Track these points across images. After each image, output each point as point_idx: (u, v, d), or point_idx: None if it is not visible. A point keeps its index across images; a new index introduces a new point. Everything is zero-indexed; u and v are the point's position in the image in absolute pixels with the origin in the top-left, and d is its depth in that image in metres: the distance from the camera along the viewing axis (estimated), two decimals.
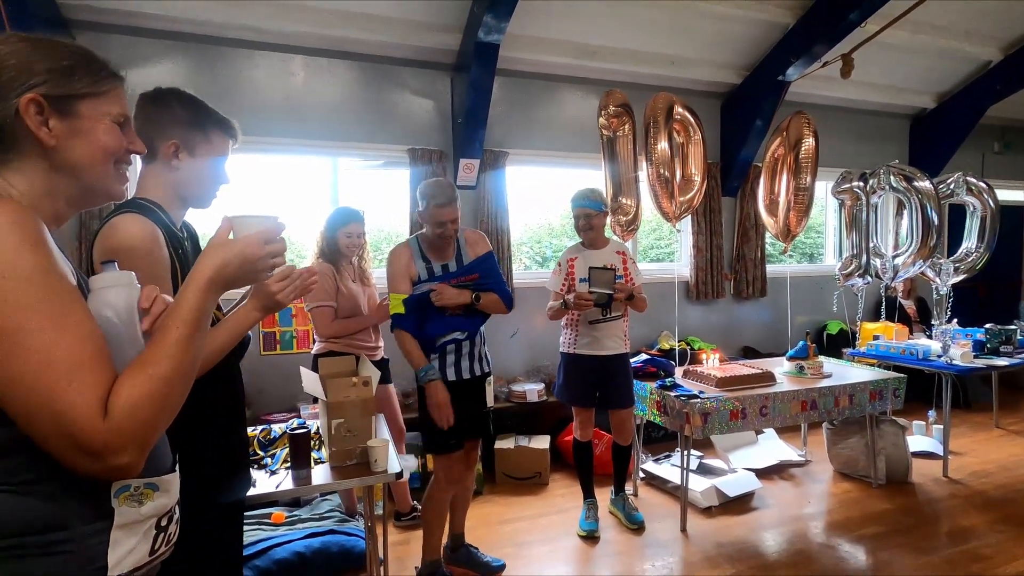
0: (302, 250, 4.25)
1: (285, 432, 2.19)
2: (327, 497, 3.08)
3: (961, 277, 4.11)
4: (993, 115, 5.62)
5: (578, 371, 2.84)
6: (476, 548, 2.61)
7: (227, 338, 1.22)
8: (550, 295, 2.92)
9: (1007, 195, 6.49)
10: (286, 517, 2.82)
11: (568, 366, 2.88)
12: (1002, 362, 3.62)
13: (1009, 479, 3.47)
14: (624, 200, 3.33)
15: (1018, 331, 3.95)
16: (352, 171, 4.04)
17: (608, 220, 3.17)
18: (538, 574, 2.56)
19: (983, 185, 4.00)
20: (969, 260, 4.10)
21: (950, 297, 4.20)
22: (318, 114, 3.75)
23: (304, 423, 2.28)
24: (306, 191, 4.05)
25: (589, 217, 2.80)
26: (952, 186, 3.95)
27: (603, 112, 3.34)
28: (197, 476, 1.24)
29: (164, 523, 0.88)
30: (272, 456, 2.06)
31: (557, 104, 4.38)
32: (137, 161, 1.18)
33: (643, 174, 3.37)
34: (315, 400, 2.65)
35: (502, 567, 2.59)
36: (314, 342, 2.76)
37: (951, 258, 4.15)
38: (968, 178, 4.02)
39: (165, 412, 0.78)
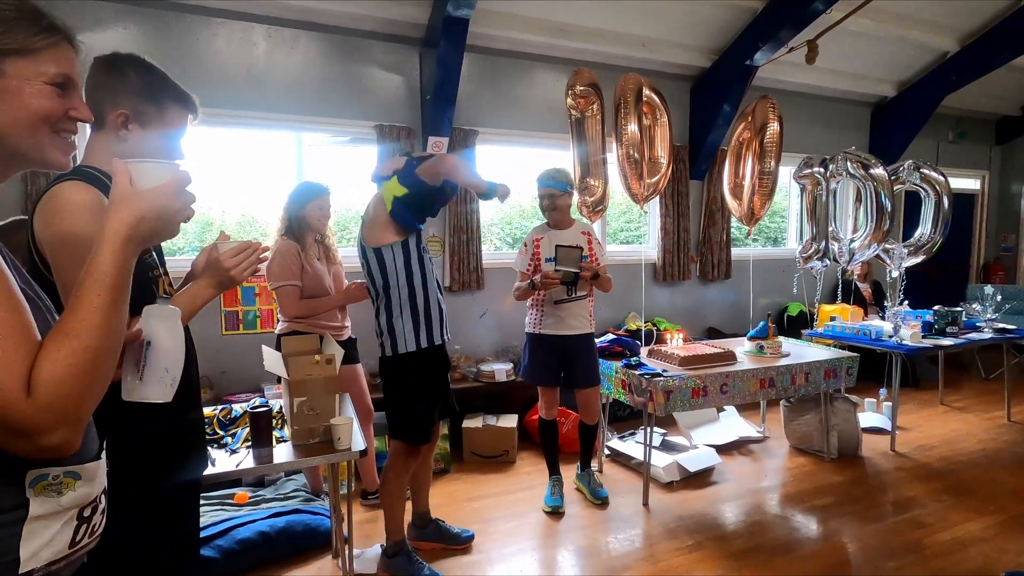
0: (265, 228, 4.15)
1: (246, 411, 2.16)
2: (292, 477, 3.05)
3: (918, 260, 4.28)
4: (948, 105, 5.83)
5: (543, 351, 2.86)
6: (443, 521, 2.64)
7: (185, 310, 1.17)
8: (516, 275, 2.92)
9: (959, 183, 6.75)
10: (250, 497, 2.79)
11: (533, 346, 2.89)
12: (948, 342, 3.80)
13: (950, 452, 3.67)
14: (592, 181, 3.34)
15: (964, 313, 4.15)
16: (317, 147, 3.94)
17: (575, 200, 3.18)
18: (504, 548, 2.61)
19: (935, 175, 4.15)
20: (923, 245, 4.27)
21: (903, 280, 4.38)
22: (281, 87, 3.64)
23: (266, 402, 2.24)
24: (269, 167, 3.93)
25: (554, 197, 2.80)
26: (903, 173, 4.08)
27: (571, 92, 3.33)
28: (148, 457, 1.22)
29: (88, 513, 0.82)
30: (233, 435, 2.03)
31: (528, 83, 4.34)
32: (86, 128, 1.13)
33: (612, 155, 3.38)
34: (279, 380, 2.61)
35: (471, 537, 2.63)
36: (278, 321, 2.71)
37: (906, 243, 4.31)
38: (922, 168, 4.17)
39: (95, 384, 0.73)
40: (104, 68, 1.20)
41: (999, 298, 4.31)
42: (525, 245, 2.92)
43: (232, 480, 2.76)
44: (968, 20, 4.82)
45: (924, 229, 4.27)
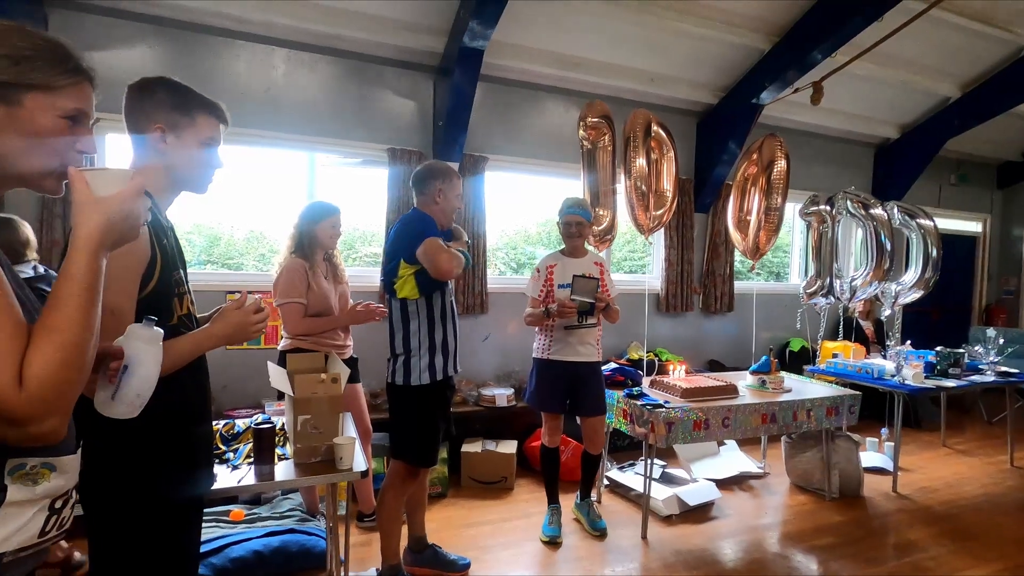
0: (274, 244, 4.19)
1: (249, 427, 2.16)
2: (288, 496, 3.03)
3: (910, 298, 4.32)
4: (951, 148, 5.93)
5: (550, 377, 2.86)
6: (440, 547, 2.61)
7: (188, 351, 1.24)
8: (527, 301, 2.95)
9: (960, 225, 6.83)
10: (245, 515, 2.77)
11: (541, 371, 2.90)
12: (950, 384, 3.79)
13: (953, 496, 3.62)
14: (600, 211, 3.39)
15: (966, 354, 4.15)
16: (329, 167, 4.01)
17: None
18: None
19: (922, 219, 4.22)
20: (911, 284, 4.32)
21: (895, 320, 4.42)
22: (297, 108, 3.72)
23: (268, 418, 2.24)
24: (279, 184, 3.99)
25: (581, 226, 2.86)
26: (888, 214, 4.16)
27: (583, 123, 3.40)
28: (157, 471, 1.23)
29: (59, 505, 0.87)
30: (235, 451, 2.02)
31: (538, 113, 4.44)
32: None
33: (620, 186, 3.44)
34: (281, 396, 2.62)
35: (468, 565, 2.60)
36: (282, 338, 2.72)
37: (894, 282, 4.36)
38: (898, 205, 4.26)
39: (80, 375, 0.79)
40: (136, 92, 1.27)
41: (1001, 341, 4.31)
42: (538, 271, 2.95)
43: (228, 496, 2.74)
44: (970, 68, 4.93)
45: (914, 269, 4.32)
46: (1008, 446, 4.29)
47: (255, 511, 2.85)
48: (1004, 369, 4.19)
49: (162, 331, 1.02)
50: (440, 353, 2.27)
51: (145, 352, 0.99)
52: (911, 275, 4.35)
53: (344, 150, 3.93)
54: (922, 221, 4.32)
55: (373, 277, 3.96)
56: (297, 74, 3.73)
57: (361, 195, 4.14)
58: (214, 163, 1.33)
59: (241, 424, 2.21)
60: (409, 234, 2.21)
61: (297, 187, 3.94)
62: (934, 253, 4.27)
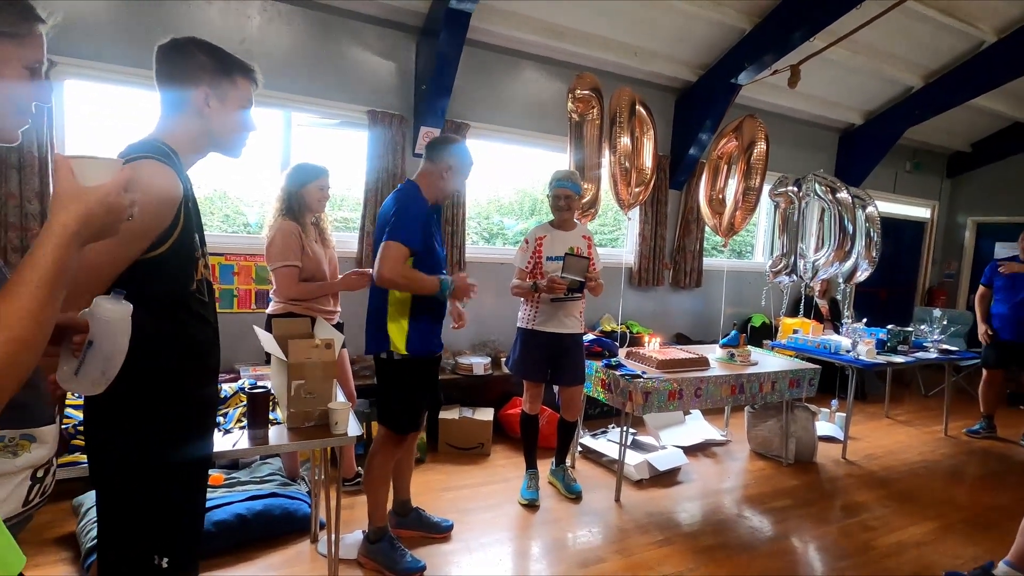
0: (238, 204, 4.04)
1: (238, 391, 2.13)
2: (267, 460, 3.01)
3: (863, 277, 4.57)
4: (909, 137, 6.20)
5: (534, 346, 2.92)
6: (424, 510, 2.67)
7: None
8: (514, 271, 2.98)
9: (912, 211, 7.20)
10: (224, 479, 2.74)
11: (525, 341, 2.95)
12: (899, 359, 4.07)
13: (895, 462, 3.93)
14: (585, 184, 3.42)
15: (913, 333, 4.44)
16: (306, 128, 3.87)
17: None
18: (482, 538, 2.66)
19: (843, 194, 4.38)
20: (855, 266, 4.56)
21: (844, 300, 4.70)
22: (273, 63, 3.54)
23: (255, 383, 2.22)
24: (255, 145, 3.82)
25: (570, 199, 2.88)
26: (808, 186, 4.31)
27: (571, 95, 3.39)
28: (166, 431, 1.21)
29: (40, 475, 0.88)
30: (224, 415, 2.00)
31: (521, 81, 4.38)
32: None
33: (605, 161, 3.46)
34: (266, 361, 2.58)
35: (451, 527, 2.67)
36: (269, 301, 2.66)
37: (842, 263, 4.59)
38: (821, 181, 4.39)
39: (20, 373, 0.72)
40: (173, 54, 1.22)
41: (944, 321, 4.63)
42: (527, 242, 2.97)
43: (227, 458, 2.71)
44: (933, 59, 5.14)
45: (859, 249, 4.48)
46: (943, 417, 4.65)
47: (234, 475, 2.82)
48: (945, 347, 4.52)
49: (131, 306, 0.93)
50: (429, 326, 2.27)
51: (112, 327, 0.91)
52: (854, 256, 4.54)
53: (322, 110, 3.79)
54: (870, 209, 4.50)
55: (349, 243, 3.89)
56: (273, 26, 3.55)
57: (340, 157, 4.02)
58: (250, 126, 1.31)
59: (227, 389, 2.17)
60: (397, 215, 2.15)
61: (271, 147, 3.79)
62: (876, 238, 4.49)
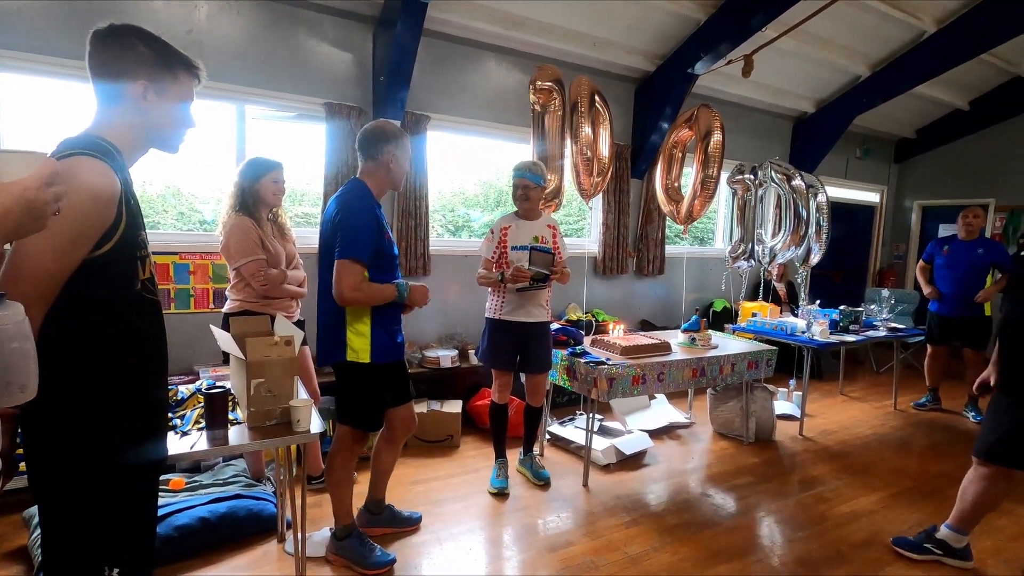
0: (192, 202, 3.92)
1: (196, 392, 2.08)
2: (231, 462, 2.96)
3: (815, 259, 4.74)
4: (858, 124, 6.43)
5: (502, 336, 2.93)
6: (395, 507, 2.67)
7: None
8: (480, 261, 2.98)
9: (862, 195, 7.48)
10: (186, 483, 2.68)
11: (493, 331, 2.96)
12: (851, 339, 4.24)
13: (848, 437, 4.11)
14: (549, 175, 3.43)
15: (864, 313, 4.64)
16: (261, 121, 3.77)
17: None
18: (453, 528, 2.67)
19: (799, 180, 4.54)
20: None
21: (802, 283, 4.87)
22: (224, 55, 3.45)
23: (213, 384, 2.17)
24: (204, 138, 3.71)
25: (527, 188, 2.88)
26: (764, 174, 4.47)
27: (533, 86, 3.40)
28: (112, 438, 1.18)
29: None
30: (182, 417, 1.95)
31: (481, 72, 4.36)
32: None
33: (567, 151, 3.49)
34: (225, 361, 2.53)
35: (420, 519, 2.70)
36: (226, 300, 2.60)
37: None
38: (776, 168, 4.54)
39: None
40: (110, 41, 1.17)
41: (892, 301, 4.84)
42: (492, 232, 2.97)
43: (184, 461, 2.65)
44: (879, 48, 5.33)
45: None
46: (893, 392, 4.88)
47: (196, 479, 2.76)
48: (894, 325, 4.73)
49: (20, 305, 0.86)
50: (391, 330, 2.24)
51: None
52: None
53: (277, 103, 3.70)
54: (820, 198, 4.66)
55: (310, 238, 3.83)
56: (222, 16, 3.44)
57: (298, 151, 3.94)
58: (189, 122, 1.28)
59: (184, 390, 2.12)
60: (345, 228, 2.08)
61: (225, 141, 3.68)
62: (825, 225, 4.65)
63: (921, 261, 4.78)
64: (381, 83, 3.78)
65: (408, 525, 2.62)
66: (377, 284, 2.13)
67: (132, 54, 1.17)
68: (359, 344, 2.16)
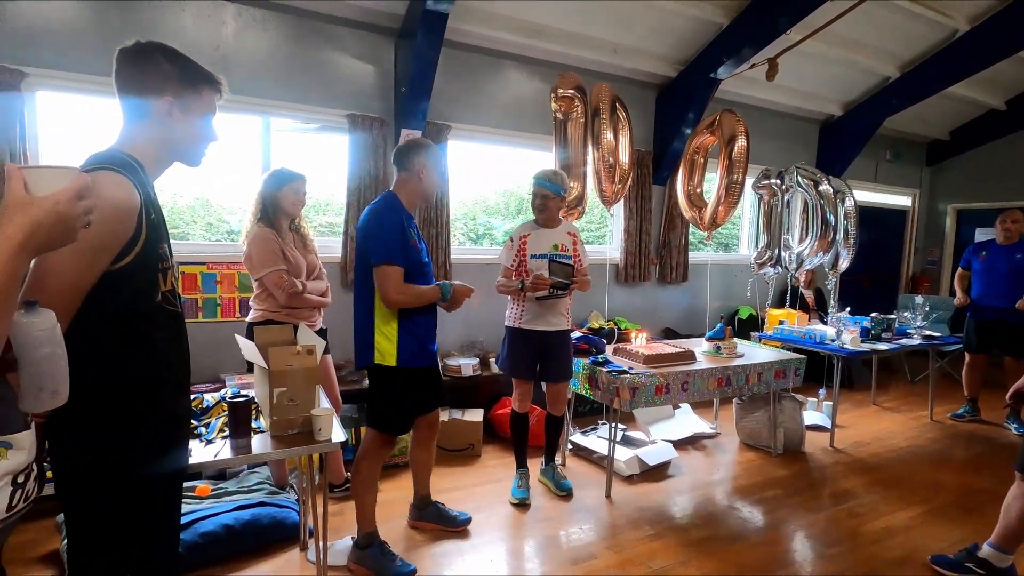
0: (220, 212, 4.01)
1: (220, 400, 2.11)
2: (255, 470, 2.99)
3: (844, 266, 4.61)
4: (887, 127, 6.27)
5: (522, 345, 2.92)
6: (443, 504, 2.71)
7: None
8: (500, 269, 2.98)
9: (893, 200, 7.28)
10: (212, 490, 2.72)
11: (513, 339, 2.95)
12: (883, 347, 4.11)
13: (881, 449, 3.97)
14: (571, 183, 3.42)
15: (896, 320, 4.49)
16: (285, 133, 3.85)
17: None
18: (475, 539, 2.65)
19: (826, 186, 4.41)
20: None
21: (832, 290, 4.74)
22: (250, 69, 3.53)
23: (237, 392, 2.20)
24: (231, 150, 3.80)
25: (546, 198, 2.87)
26: (790, 179, 4.36)
27: (555, 94, 3.40)
28: (135, 447, 1.19)
29: (21, 480, 0.90)
30: (207, 425, 1.98)
31: (502, 81, 4.38)
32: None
33: (589, 158, 3.47)
34: (249, 370, 2.56)
35: (468, 520, 2.72)
36: (250, 310, 2.64)
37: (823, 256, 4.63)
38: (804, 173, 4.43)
39: None
40: (136, 59, 1.21)
41: (927, 308, 4.68)
42: (511, 240, 2.97)
43: (193, 473, 2.68)
44: (909, 48, 5.19)
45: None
46: (929, 402, 4.71)
47: (221, 486, 2.80)
48: (928, 333, 4.57)
49: (46, 316, 0.87)
50: (422, 336, 2.29)
51: (27, 341, 0.86)
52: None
53: (301, 115, 3.77)
54: (848, 203, 4.54)
55: (333, 247, 3.88)
56: (248, 32, 3.53)
57: (321, 162, 4.00)
58: (211, 136, 1.31)
59: (210, 399, 2.16)
60: (374, 236, 2.19)
61: (251, 153, 3.76)
62: (853, 231, 4.53)
63: (960, 268, 4.63)
64: (403, 94, 3.82)
65: (455, 525, 2.67)
66: (420, 286, 2.24)
67: (157, 71, 1.20)
68: (386, 347, 2.24)
